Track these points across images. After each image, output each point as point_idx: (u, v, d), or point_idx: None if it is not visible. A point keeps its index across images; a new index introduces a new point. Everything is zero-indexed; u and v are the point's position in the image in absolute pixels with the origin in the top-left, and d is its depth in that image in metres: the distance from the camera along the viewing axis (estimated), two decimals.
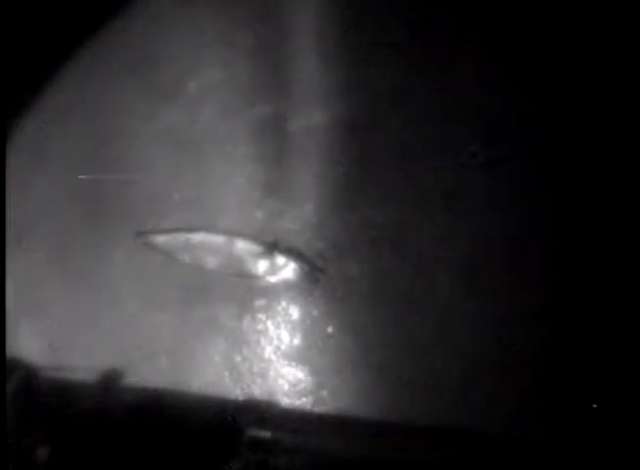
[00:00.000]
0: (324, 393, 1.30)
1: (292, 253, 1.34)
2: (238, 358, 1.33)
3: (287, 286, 1.35)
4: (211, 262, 1.38)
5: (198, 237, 1.39)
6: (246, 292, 1.36)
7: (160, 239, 1.41)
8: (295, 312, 1.34)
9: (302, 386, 1.31)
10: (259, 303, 1.36)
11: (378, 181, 1.35)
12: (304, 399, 1.30)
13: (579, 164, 1.31)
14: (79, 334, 1.38)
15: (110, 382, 1.32)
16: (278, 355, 1.33)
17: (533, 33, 1.35)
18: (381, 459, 1.24)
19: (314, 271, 1.33)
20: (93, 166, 1.45)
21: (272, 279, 1.35)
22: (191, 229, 1.40)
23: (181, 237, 1.40)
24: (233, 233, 1.37)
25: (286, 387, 1.31)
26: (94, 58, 1.47)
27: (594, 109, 1.31)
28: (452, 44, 1.37)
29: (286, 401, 1.30)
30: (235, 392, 1.32)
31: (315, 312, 1.33)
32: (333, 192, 1.36)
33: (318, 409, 1.29)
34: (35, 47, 1.45)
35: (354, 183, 1.35)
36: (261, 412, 1.29)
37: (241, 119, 1.42)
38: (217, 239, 1.38)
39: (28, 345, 1.37)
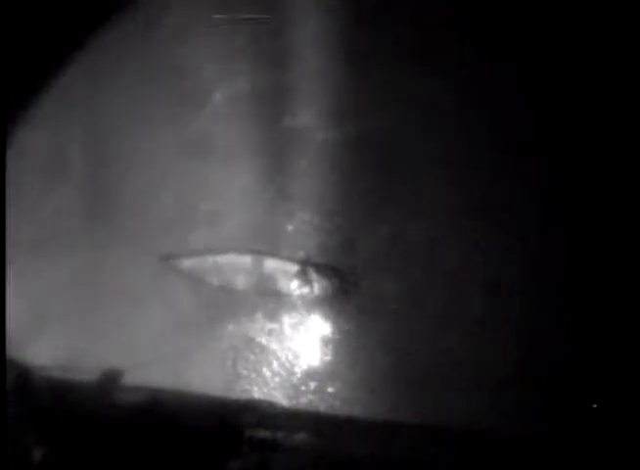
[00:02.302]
0: (355, 407, 1.28)
1: (323, 268, 1.35)
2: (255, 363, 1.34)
3: (318, 301, 1.35)
4: (241, 284, 1.37)
5: (226, 259, 1.39)
6: (276, 307, 1.36)
7: (187, 263, 1.40)
8: (326, 327, 1.35)
9: (332, 400, 1.30)
10: (290, 318, 1.36)
11: (410, 195, 1.36)
12: (328, 411, 1.29)
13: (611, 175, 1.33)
14: (94, 343, 1.36)
15: (113, 382, 1.31)
16: (306, 369, 1.33)
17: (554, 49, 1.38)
18: (382, 459, 1.23)
19: (346, 287, 1.34)
20: (113, 178, 1.45)
21: (303, 295, 1.36)
22: (218, 250, 1.39)
23: (208, 260, 1.39)
24: (261, 248, 1.37)
25: (316, 401, 1.30)
26: (117, 67, 1.48)
27: None
28: (486, 59, 1.39)
29: (307, 412, 1.30)
30: (239, 394, 1.32)
31: (346, 327, 1.34)
32: (364, 205, 1.37)
33: (319, 410, 1.29)
34: (56, 58, 1.45)
35: (386, 197, 1.37)
36: (262, 413, 1.29)
37: (268, 131, 1.42)
38: (246, 259, 1.38)
39: (39, 351, 1.35)
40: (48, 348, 1.35)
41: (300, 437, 1.25)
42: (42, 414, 1.28)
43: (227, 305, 1.37)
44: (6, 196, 1.34)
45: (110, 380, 1.31)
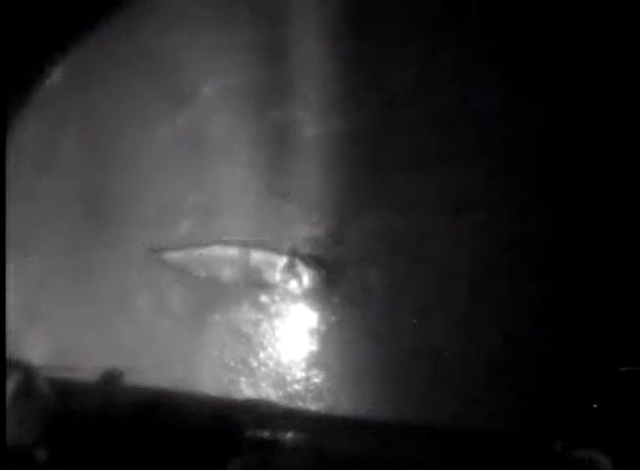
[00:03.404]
0: (340, 398, 1.30)
1: (309, 260, 1.36)
2: (251, 361, 1.34)
3: (304, 292, 1.36)
4: (227, 276, 1.38)
5: (212, 251, 1.39)
6: (263, 298, 1.37)
7: (174, 255, 1.40)
8: (312, 318, 1.36)
9: (319, 390, 1.31)
10: (276, 309, 1.37)
11: (395, 188, 1.37)
12: (315, 402, 1.31)
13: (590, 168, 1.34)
14: (85, 337, 1.37)
15: (111, 382, 1.31)
16: (293, 359, 1.34)
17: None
18: (381, 459, 1.23)
19: (332, 278, 1.35)
20: (104, 172, 1.45)
21: (290, 286, 1.36)
22: (204, 244, 1.39)
23: (195, 252, 1.40)
24: (248, 241, 1.38)
25: (302, 392, 1.31)
26: (108, 62, 1.48)
27: None
28: (466, 52, 1.40)
29: (293, 403, 1.31)
30: (240, 393, 1.33)
31: (333, 318, 1.35)
32: (350, 199, 1.38)
33: (318, 409, 1.30)
34: (48, 51, 1.46)
35: (372, 190, 1.37)
36: (262, 412, 1.29)
37: (257, 125, 1.42)
38: (232, 251, 1.38)
39: (32, 347, 1.35)
40: (42, 343, 1.36)
41: (291, 432, 1.26)
42: (41, 414, 1.27)
43: (215, 297, 1.38)
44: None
45: (105, 380, 1.32)
